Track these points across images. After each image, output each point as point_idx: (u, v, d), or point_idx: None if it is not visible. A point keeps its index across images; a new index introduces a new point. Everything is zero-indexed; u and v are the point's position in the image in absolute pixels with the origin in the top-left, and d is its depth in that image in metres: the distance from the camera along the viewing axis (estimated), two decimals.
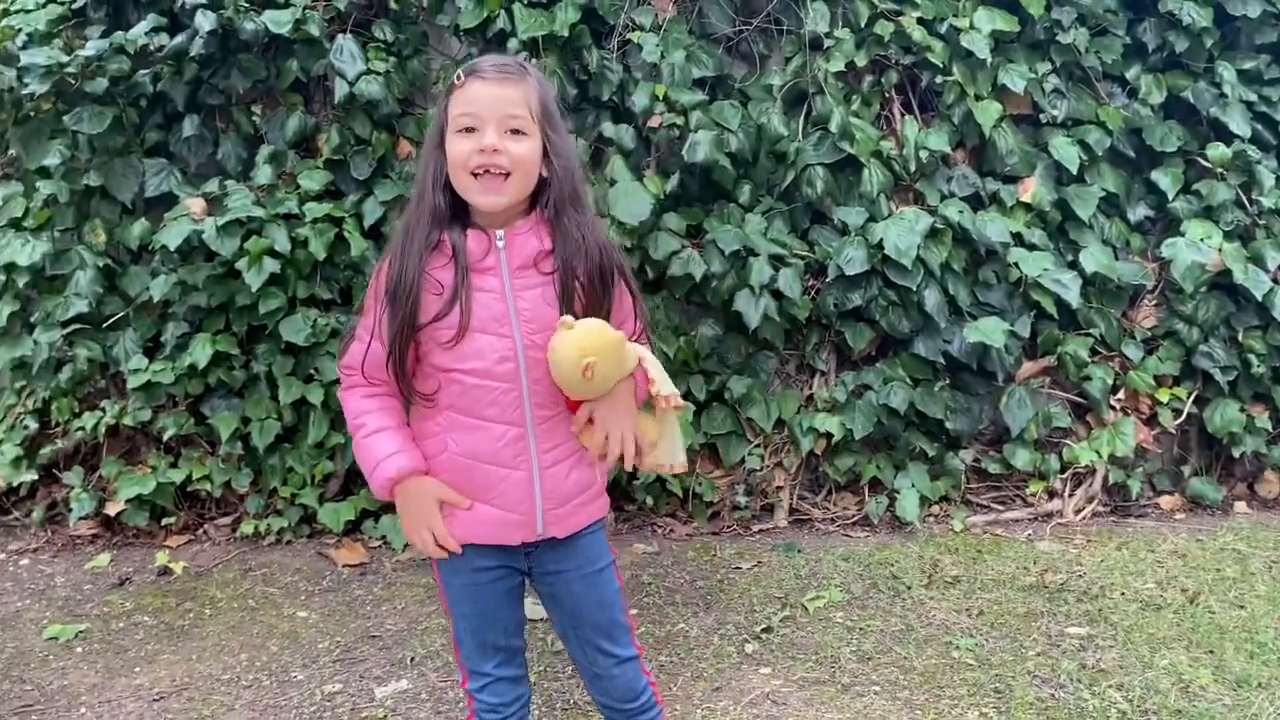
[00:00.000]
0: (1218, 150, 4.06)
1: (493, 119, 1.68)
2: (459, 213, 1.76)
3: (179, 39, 3.73)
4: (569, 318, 1.71)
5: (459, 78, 1.73)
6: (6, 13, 3.84)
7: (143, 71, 3.82)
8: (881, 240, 3.76)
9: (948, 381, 4.02)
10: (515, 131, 1.69)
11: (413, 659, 3.00)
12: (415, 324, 1.70)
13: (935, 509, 4.05)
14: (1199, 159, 4.13)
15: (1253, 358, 4.05)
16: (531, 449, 1.75)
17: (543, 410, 1.76)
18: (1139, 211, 4.19)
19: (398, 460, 1.74)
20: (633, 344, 1.80)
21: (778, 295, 3.80)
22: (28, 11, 3.81)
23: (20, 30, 3.78)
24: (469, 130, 1.69)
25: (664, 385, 1.83)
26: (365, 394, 1.79)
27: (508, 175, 1.69)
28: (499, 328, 1.72)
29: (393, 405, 1.80)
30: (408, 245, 1.72)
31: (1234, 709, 2.64)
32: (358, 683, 2.88)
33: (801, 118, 3.96)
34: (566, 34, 3.75)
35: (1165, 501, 4.18)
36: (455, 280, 1.71)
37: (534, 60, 3.82)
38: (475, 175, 1.69)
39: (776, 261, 3.81)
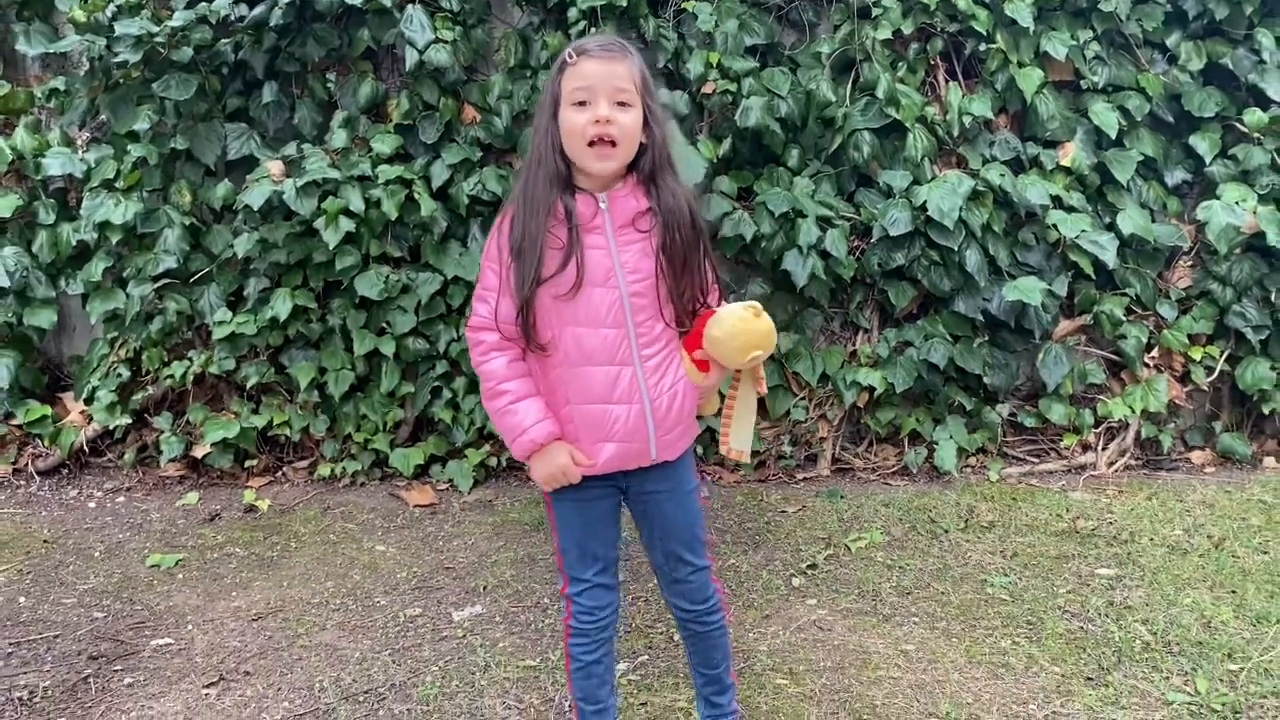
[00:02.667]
0: (1255, 115, 4.17)
1: (604, 92, 1.90)
2: (569, 178, 1.98)
3: (258, 9, 3.96)
4: (757, 304, 1.98)
5: (570, 56, 1.94)
6: None
7: (224, 41, 4.06)
8: (925, 202, 3.93)
9: (986, 338, 4.19)
10: (622, 104, 1.92)
11: (485, 587, 3.25)
12: (540, 277, 1.92)
13: (972, 460, 4.25)
14: (1236, 124, 4.25)
15: None
16: (641, 385, 1.98)
17: (647, 350, 1.99)
18: (1176, 175, 4.31)
19: (544, 427, 1.95)
20: None
21: (825, 255, 3.99)
22: None
23: (110, 1, 4.02)
24: (583, 104, 1.91)
25: (759, 366, 2.09)
26: (506, 361, 1.97)
27: (615, 143, 1.92)
28: (607, 280, 1.96)
29: (528, 372, 1.99)
30: (529, 206, 1.95)
31: (1253, 641, 2.82)
32: (436, 607, 3.14)
33: (849, 84, 4.12)
34: (624, 3, 3.94)
35: (1196, 456, 4.34)
36: (569, 239, 1.94)
37: (593, 30, 4.02)
38: (590, 144, 1.92)
39: (824, 223, 3.99)
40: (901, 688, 2.61)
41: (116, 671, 2.79)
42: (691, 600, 2.15)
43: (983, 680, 2.64)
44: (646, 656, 2.79)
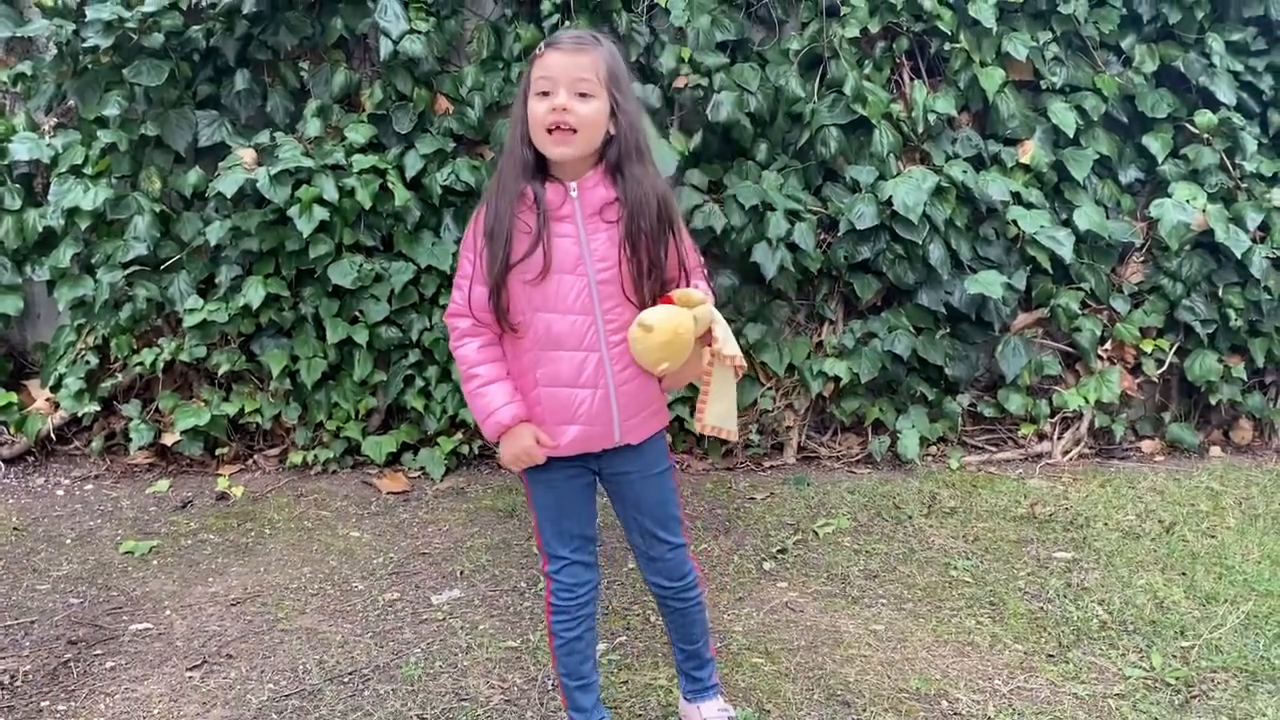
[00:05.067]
0: (1205, 117, 4.33)
1: (564, 83, 1.97)
2: (541, 167, 2.04)
3: None
4: (647, 318, 1.97)
5: (540, 49, 2.02)
6: None
7: (196, 27, 4.05)
8: (890, 197, 4.03)
9: (948, 330, 4.31)
10: (583, 95, 1.98)
11: (462, 572, 3.30)
12: (509, 262, 1.99)
13: (933, 449, 4.36)
14: (1187, 125, 4.40)
15: (1231, 312, 4.35)
16: (607, 370, 2.05)
17: (614, 336, 2.05)
18: (1130, 174, 4.46)
19: (511, 410, 2.04)
20: (707, 307, 2.05)
21: (793, 248, 4.07)
22: None
23: None
24: (545, 94, 1.98)
25: (727, 345, 2.08)
26: (478, 346, 2.06)
27: (574, 131, 1.98)
28: (575, 267, 2.02)
29: (499, 356, 2.08)
30: (500, 193, 2.02)
31: (1202, 620, 2.96)
32: (414, 592, 3.18)
33: (817, 81, 4.21)
34: None
35: (1146, 445, 4.50)
36: (537, 225, 2.00)
37: (566, 23, 4.07)
38: (549, 131, 1.97)
39: (792, 216, 4.07)
40: (873, 665, 2.70)
41: (97, 656, 2.80)
42: (669, 577, 2.24)
43: (950, 658, 2.75)
44: (625, 637, 2.86)
